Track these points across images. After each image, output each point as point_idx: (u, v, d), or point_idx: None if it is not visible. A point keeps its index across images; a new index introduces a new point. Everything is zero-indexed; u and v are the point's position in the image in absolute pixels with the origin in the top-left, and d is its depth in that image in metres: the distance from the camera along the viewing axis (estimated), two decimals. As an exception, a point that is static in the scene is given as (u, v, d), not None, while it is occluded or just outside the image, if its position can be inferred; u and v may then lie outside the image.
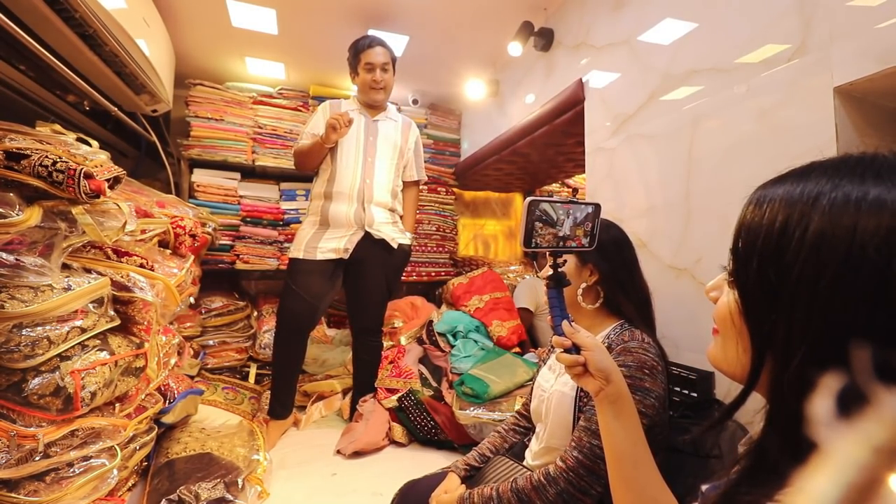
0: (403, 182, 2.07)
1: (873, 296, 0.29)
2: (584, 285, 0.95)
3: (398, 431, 1.81)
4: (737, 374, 0.41)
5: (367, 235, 1.88)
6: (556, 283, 0.67)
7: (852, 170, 0.33)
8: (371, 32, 2.09)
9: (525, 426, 1.10)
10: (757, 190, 0.39)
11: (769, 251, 0.35)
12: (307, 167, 1.93)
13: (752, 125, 1.05)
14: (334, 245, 1.85)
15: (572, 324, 0.63)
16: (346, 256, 1.86)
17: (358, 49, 1.90)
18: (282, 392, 1.86)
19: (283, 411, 1.85)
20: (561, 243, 0.65)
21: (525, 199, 0.59)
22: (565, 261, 0.68)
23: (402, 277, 2.73)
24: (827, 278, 0.31)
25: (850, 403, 0.19)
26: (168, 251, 1.53)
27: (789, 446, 0.32)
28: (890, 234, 0.29)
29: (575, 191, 3.26)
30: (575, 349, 0.62)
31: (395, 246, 1.93)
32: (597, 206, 0.67)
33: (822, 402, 0.20)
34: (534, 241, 0.62)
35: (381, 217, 1.92)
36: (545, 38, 1.93)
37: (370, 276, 1.92)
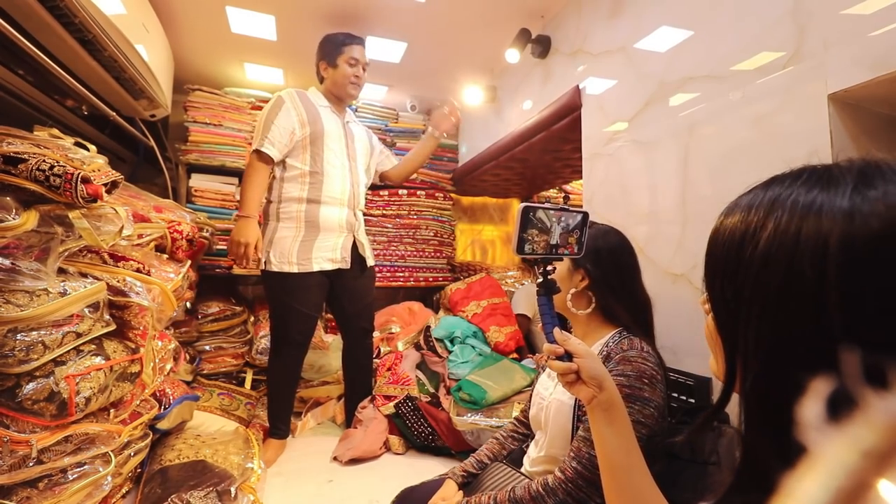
0: (387, 170, 2.09)
1: (815, 304, 0.30)
2: (573, 290, 0.95)
3: (395, 443, 1.79)
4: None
5: (354, 244, 1.87)
6: (546, 290, 0.66)
7: (804, 182, 0.35)
8: (370, 39, 2.11)
9: (523, 433, 1.10)
10: (719, 216, 0.42)
11: (728, 271, 0.38)
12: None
13: (747, 132, 1.05)
14: (329, 255, 1.79)
15: (563, 331, 0.63)
16: (347, 266, 1.83)
17: (342, 41, 1.82)
18: (282, 410, 1.81)
19: (286, 428, 1.81)
20: (553, 251, 0.65)
21: (520, 204, 0.59)
22: (555, 268, 0.68)
23: (401, 283, 2.76)
24: (773, 289, 0.33)
25: (839, 407, 0.19)
26: (165, 256, 1.53)
27: (768, 455, 0.33)
28: (827, 238, 0.30)
29: (566, 197, 3.26)
30: (567, 356, 0.61)
31: (369, 265, 1.93)
32: (585, 215, 0.67)
33: (809, 407, 0.20)
34: (527, 247, 0.62)
35: (363, 225, 1.95)
36: (542, 45, 1.95)
37: (361, 278, 1.91)
